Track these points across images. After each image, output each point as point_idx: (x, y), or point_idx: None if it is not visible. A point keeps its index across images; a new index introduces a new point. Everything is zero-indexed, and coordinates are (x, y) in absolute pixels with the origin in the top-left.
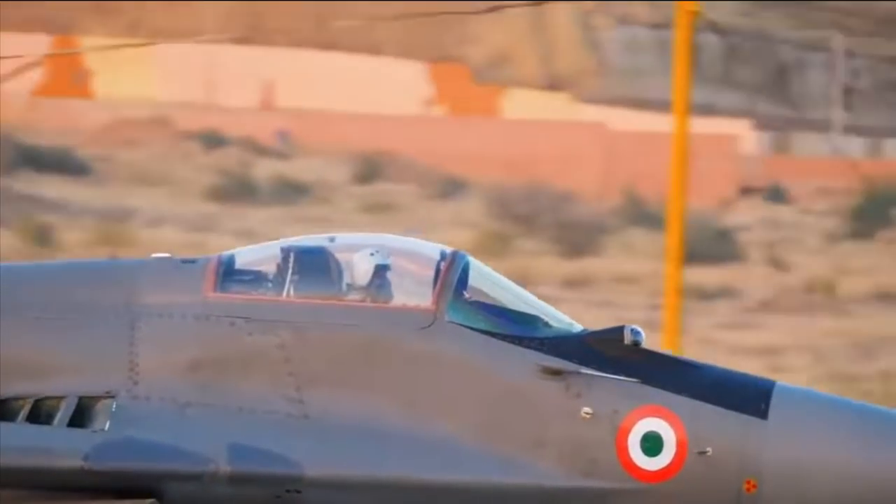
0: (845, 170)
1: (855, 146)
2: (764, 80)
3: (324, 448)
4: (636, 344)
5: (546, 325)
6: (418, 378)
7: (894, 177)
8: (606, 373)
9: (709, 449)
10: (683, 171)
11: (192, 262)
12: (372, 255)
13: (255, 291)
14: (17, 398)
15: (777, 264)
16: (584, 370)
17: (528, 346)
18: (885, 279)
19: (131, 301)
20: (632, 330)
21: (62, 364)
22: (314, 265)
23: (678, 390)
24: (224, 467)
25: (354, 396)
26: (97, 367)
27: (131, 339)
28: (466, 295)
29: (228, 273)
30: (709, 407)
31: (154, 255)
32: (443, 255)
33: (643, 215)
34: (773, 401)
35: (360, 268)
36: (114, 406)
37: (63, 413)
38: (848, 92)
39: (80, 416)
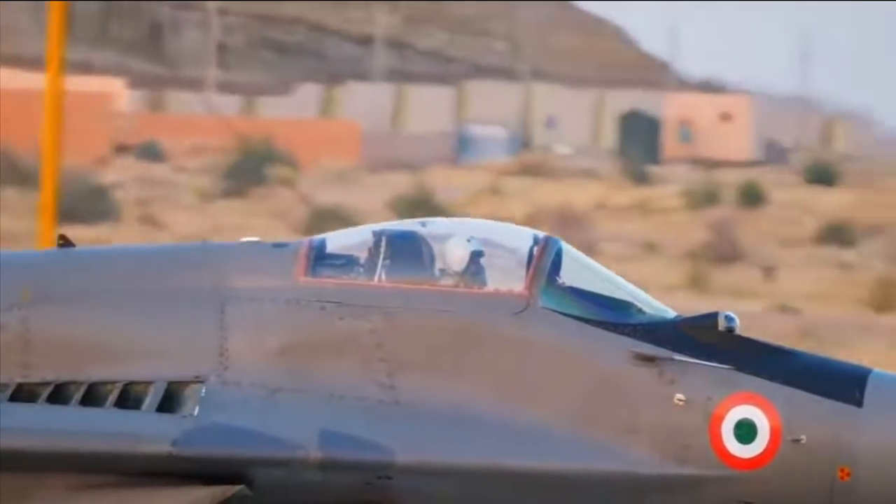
0: (219, 127)
1: (230, 104)
2: (139, 39)
3: (415, 434)
4: (730, 330)
5: (639, 311)
6: (511, 364)
7: (267, 134)
8: (700, 359)
9: (803, 437)
10: (57, 129)
11: (284, 245)
12: (467, 240)
13: (347, 276)
14: (105, 383)
15: (152, 222)
16: (678, 357)
17: (622, 333)
18: (264, 236)
19: (221, 285)
20: (726, 316)
21: (151, 348)
22: (406, 250)
23: (772, 377)
24: (314, 454)
25: (446, 382)
26: (187, 351)
27: (221, 323)
28: (559, 280)
29: (320, 257)
30: (803, 394)
31: (244, 239)
32: (536, 240)
33: (17, 173)
34: (868, 388)
35: (453, 253)
36: (203, 391)
37: (152, 398)
38: (222, 50)
39: (169, 402)
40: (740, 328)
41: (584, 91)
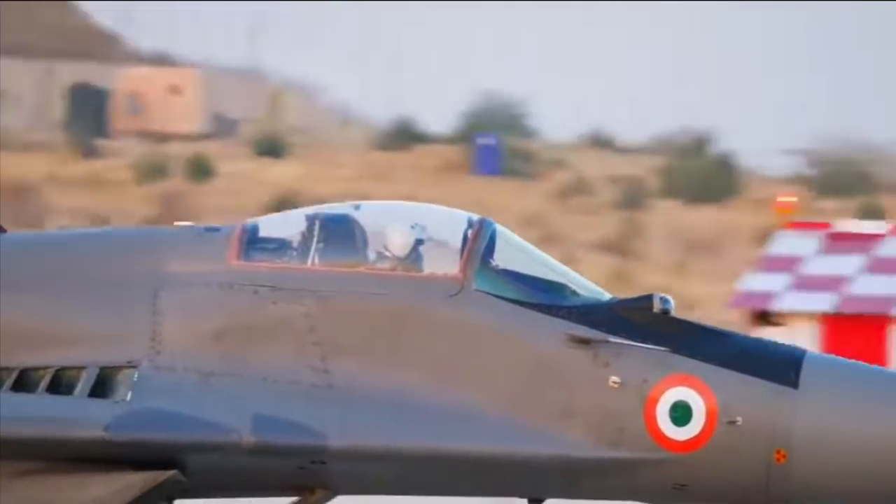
0: None
1: None
2: None
3: (349, 418)
4: (665, 312)
5: (574, 293)
6: (445, 347)
7: None
8: (635, 341)
9: (739, 418)
10: None
11: (216, 230)
12: (402, 224)
13: (280, 260)
14: (37, 368)
15: None
16: (613, 339)
17: (557, 315)
18: None
19: (154, 269)
20: (661, 298)
21: (83, 334)
22: (339, 233)
23: (708, 359)
24: (248, 438)
25: (381, 366)
26: (119, 336)
27: (154, 308)
28: (494, 263)
29: (252, 241)
30: (739, 376)
31: (178, 223)
32: (470, 223)
33: None
34: (804, 369)
35: (387, 236)
36: (135, 376)
37: (84, 383)
38: None
39: (102, 387)
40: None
41: (32, 62)
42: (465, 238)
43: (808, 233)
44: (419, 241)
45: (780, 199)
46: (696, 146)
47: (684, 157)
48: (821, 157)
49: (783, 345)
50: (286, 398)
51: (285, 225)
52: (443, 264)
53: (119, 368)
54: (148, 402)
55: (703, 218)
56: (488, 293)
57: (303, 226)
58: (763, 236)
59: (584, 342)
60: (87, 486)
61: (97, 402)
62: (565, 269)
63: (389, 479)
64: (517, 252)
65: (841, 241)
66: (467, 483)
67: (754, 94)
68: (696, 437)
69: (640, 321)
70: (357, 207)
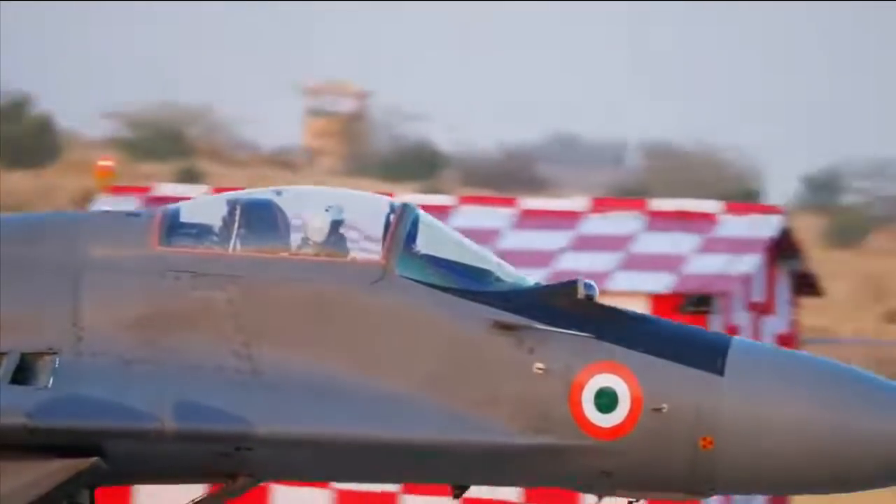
0: None
1: None
2: None
3: (273, 405)
4: (589, 298)
5: (498, 279)
6: (368, 333)
7: None
8: (559, 327)
9: (664, 405)
10: None
11: (137, 215)
12: (324, 209)
13: (202, 245)
14: None
15: None
16: (537, 325)
17: (480, 301)
18: None
19: (75, 254)
20: (585, 284)
21: (3, 320)
22: (261, 218)
23: (633, 345)
24: (170, 425)
25: (304, 352)
26: (39, 322)
27: (75, 293)
28: (416, 249)
29: (174, 226)
30: (664, 363)
31: (97, 209)
32: (392, 208)
33: None
34: (730, 357)
35: (310, 222)
36: (57, 363)
37: (4, 369)
38: None
39: (23, 373)
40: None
41: None
42: (387, 223)
43: (129, 196)
44: (341, 226)
45: (99, 162)
46: (14, 108)
47: (2, 120)
48: (138, 119)
49: (709, 332)
50: (209, 385)
51: (206, 210)
52: (365, 250)
53: (40, 355)
54: (69, 388)
55: (22, 181)
56: (411, 279)
57: (224, 211)
58: (83, 199)
59: (509, 328)
60: (5, 473)
61: (18, 389)
62: (489, 255)
63: (313, 466)
64: (440, 238)
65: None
66: (391, 470)
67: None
68: (622, 423)
69: (564, 307)
70: (279, 193)
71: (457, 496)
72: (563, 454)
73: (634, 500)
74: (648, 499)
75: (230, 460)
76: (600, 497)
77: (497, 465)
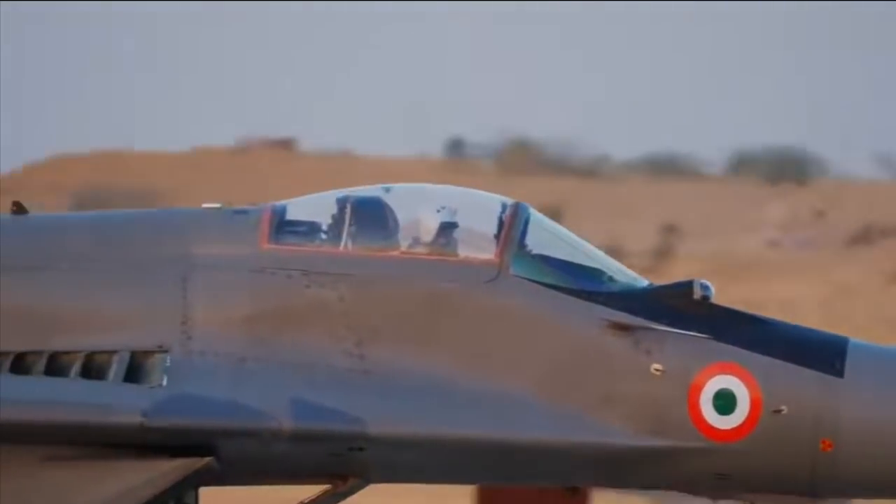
0: None
1: None
2: None
3: (386, 404)
4: (705, 298)
5: (611, 279)
6: (482, 333)
7: None
8: (677, 328)
9: (784, 407)
10: None
11: (245, 212)
12: (437, 207)
13: (312, 243)
14: (67, 352)
15: None
16: (654, 326)
17: (596, 301)
18: None
19: (183, 252)
20: (701, 284)
21: (112, 318)
22: (373, 217)
23: (751, 347)
24: (287, 424)
25: (416, 351)
26: (149, 320)
27: (184, 291)
28: (530, 248)
29: (283, 224)
30: (783, 364)
31: (205, 205)
32: (505, 207)
33: None
34: (849, 358)
35: (423, 220)
36: (168, 361)
37: (117, 368)
38: None
39: (134, 372)
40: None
41: None
42: (500, 222)
43: None
44: (453, 225)
45: None
46: None
47: None
48: None
49: (826, 333)
50: (322, 384)
51: (315, 208)
52: (478, 249)
53: (150, 353)
54: (183, 387)
55: None
56: (525, 278)
57: (334, 209)
58: None
59: (625, 329)
60: (120, 473)
61: (133, 388)
62: (601, 254)
63: (424, 467)
64: (552, 236)
65: None
66: (503, 470)
67: None
68: (741, 426)
69: (681, 308)
70: (388, 190)
71: (569, 498)
72: (679, 456)
73: (750, 503)
74: (764, 501)
75: (341, 461)
76: (716, 500)
77: (612, 467)
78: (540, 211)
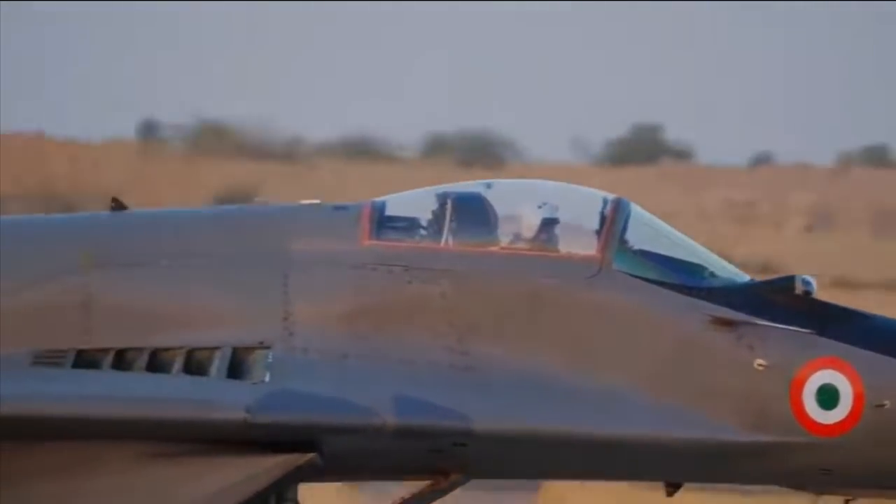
0: None
1: None
2: None
3: (488, 400)
4: (807, 294)
5: (712, 274)
6: (584, 329)
7: None
8: (780, 323)
9: (887, 402)
10: None
11: (344, 208)
12: (538, 203)
13: (413, 239)
14: (168, 348)
15: None
16: (757, 321)
17: (698, 296)
18: None
19: (284, 248)
20: (803, 280)
21: (213, 314)
22: (474, 212)
23: (854, 342)
24: (391, 420)
25: (518, 347)
26: (250, 317)
27: (285, 288)
28: (631, 243)
29: (383, 220)
30: (886, 359)
31: (305, 201)
32: (606, 202)
33: None
34: None
35: (523, 215)
36: (270, 357)
37: (219, 364)
38: None
39: (235, 368)
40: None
41: None
42: (601, 217)
43: None
44: (555, 221)
45: None
46: None
47: None
48: None
49: None
50: (424, 380)
51: (415, 204)
52: (580, 244)
53: (252, 350)
54: (286, 383)
55: None
56: (627, 273)
57: (434, 204)
58: None
59: (727, 324)
60: (222, 469)
61: (236, 384)
62: (703, 249)
63: (526, 462)
64: (653, 232)
65: None
66: (606, 466)
67: None
68: (843, 420)
69: (783, 303)
70: (489, 186)
71: (670, 494)
72: (782, 451)
73: (851, 497)
74: (866, 496)
75: (443, 457)
76: (818, 495)
77: (714, 462)
78: (233, 194)
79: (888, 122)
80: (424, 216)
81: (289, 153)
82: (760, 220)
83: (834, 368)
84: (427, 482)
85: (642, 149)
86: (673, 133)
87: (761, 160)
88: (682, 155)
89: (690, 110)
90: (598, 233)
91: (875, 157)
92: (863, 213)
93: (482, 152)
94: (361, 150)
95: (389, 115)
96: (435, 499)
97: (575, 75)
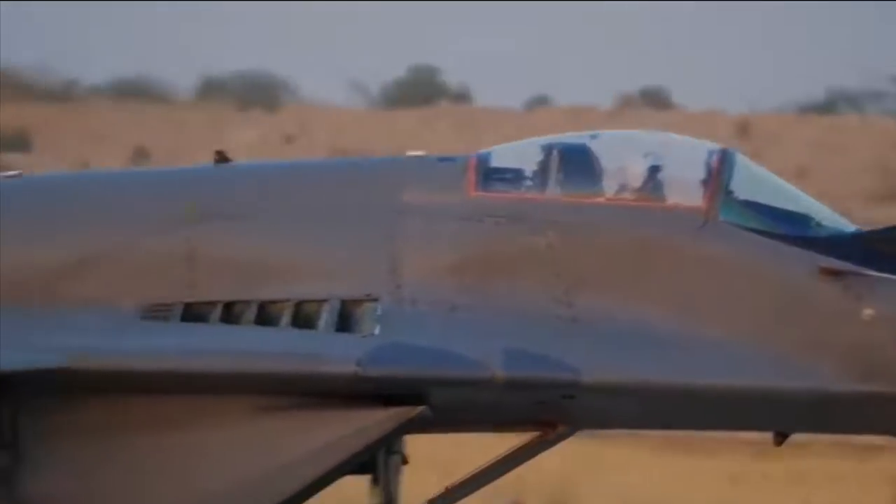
0: None
1: None
2: None
3: (596, 352)
4: None
5: (818, 224)
6: (691, 280)
7: None
8: (888, 273)
9: None
10: None
11: (451, 160)
12: (643, 153)
13: (518, 190)
14: (276, 301)
15: None
16: (866, 271)
17: (805, 247)
18: None
19: (391, 200)
20: None
21: (321, 266)
22: (579, 163)
23: None
24: (500, 373)
25: (624, 298)
26: (358, 269)
27: (392, 240)
28: (737, 194)
29: (489, 171)
30: None
31: (409, 153)
32: (712, 153)
33: None
34: None
35: (629, 166)
36: (379, 310)
37: (328, 317)
38: None
39: (344, 321)
40: None
41: None
42: (707, 168)
43: None
44: (661, 172)
45: None
46: None
47: None
48: None
49: None
50: (531, 331)
51: (520, 155)
52: (686, 195)
53: (360, 302)
54: (396, 336)
55: None
56: (734, 224)
57: (540, 155)
58: None
59: (835, 274)
60: (332, 423)
61: (346, 337)
62: (810, 199)
63: (632, 414)
64: (759, 182)
65: None
66: (712, 417)
67: None
68: None
69: (890, 252)
70: (594, 137)
71: (778, 444)
72: (889, 402)
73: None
74: None
75: (550, 409)
76: None
77: (822, 412)
78: (10, 137)
79: (666, 64)
80: (530, 167)
81: (63, 94)
82: None
83: None
84: (533, 434)
85: (420, 91)
86: (451, 76)
87: (538, 103)
88: (459, 98)
89: (468, 53)
90: (705, 183)
91: (653, 98)
92: None
93: (258, 94)
94: (135, 92)
95: (167, 59)
96: (541, 451)
97: (352, 18)
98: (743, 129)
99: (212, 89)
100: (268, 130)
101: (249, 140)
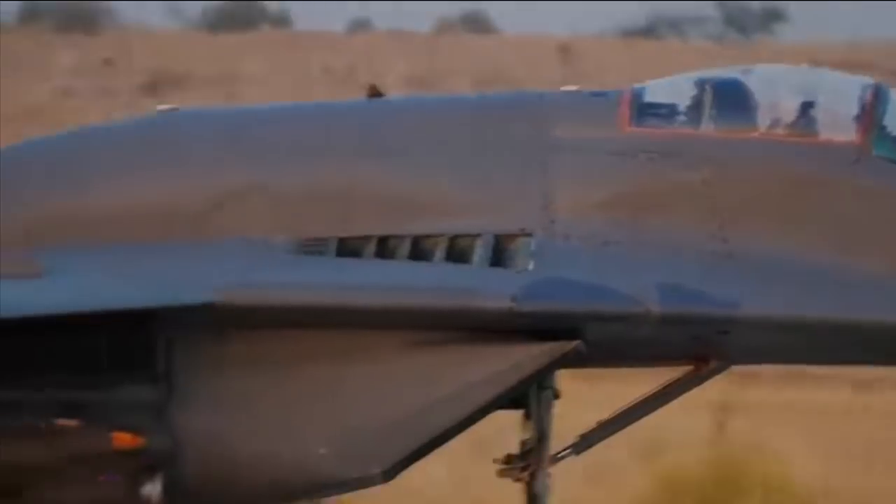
0: None
1: None
2: None
3: (751, 287)
4: None
5: None
6: (846, 215)
7: None
8: None
9: None
10: None
11: (603, 94)
12: (796, 88)
13: (673, 126)
14: (429, 236)
15: None
16: None
17: None
18: None
19: (543, 135)
20: None
21: (473, 201)
22: (733, 98)
23: None
24: (655, 308)
25: (779, 234)
26: (511, 204)
27: (545, 175)
28: (890, 129)
29: (643, 107)
30: None
31: (563, 88)
32: (864, 88)
33: None
34: None
35: (782, 101)
36: (533, 245)
37: (482, 252)
38: None
39: (497, 256)
40: None
41: None
42: (861, 103)
43: None
44: (814, 107)
45: None
46: None
47: None
48: None
49: None
50: (686, 267)
51: (673, 90)
52: (840, 130)
53: (514, 237)
54: (550, 271)
55: None
56: (888, 159)
57: (693, 91)
58: None
59: None
60: (487, 358)
61: (500, 272)
62: None
63: (787, 349)
64: None
65: None
66: (867, 352)
67: None
68: None
69: None
70: (747, 72)
71: None
72: None
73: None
74: None
75: (704, 344)
76: None
77: None
78: None
79: None
80: (683, 102)
81: None
82: (361, 86)
83: None
84: (687, 368)
85: (239, 15)
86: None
87: (359, 26)
88: (279, 21)
89: None
90: (858, 119)
91: (473, 23)
92: (461, 80)
93: (77, 18)
94: None
95: None
96: (693, 386)
97: None
98: (565, 52)
99: (33, 13)
100: (87, 53)
101: (69, 63)
